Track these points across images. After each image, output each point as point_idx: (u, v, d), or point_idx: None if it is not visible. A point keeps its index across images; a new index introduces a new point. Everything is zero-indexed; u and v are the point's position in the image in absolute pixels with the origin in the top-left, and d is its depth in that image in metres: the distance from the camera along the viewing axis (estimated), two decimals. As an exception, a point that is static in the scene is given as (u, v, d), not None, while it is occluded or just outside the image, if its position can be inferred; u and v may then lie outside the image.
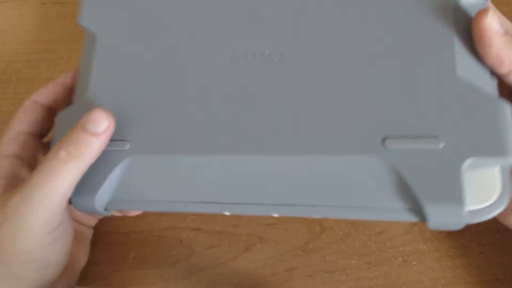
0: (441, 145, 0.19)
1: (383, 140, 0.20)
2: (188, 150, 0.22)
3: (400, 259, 0.30)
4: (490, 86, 0.20)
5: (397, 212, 0.20)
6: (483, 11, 0.20)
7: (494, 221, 0.23)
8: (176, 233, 0.31)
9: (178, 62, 0.24)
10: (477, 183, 0.19)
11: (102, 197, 0.23)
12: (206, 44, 0.24)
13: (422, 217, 0.19)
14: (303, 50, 0.22)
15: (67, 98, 0.27)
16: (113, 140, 0.23)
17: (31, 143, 0.26)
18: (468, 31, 0.21)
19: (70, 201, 0.24)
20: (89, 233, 0.31)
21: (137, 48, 0.25)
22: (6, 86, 0.37)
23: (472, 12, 0.21)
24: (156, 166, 0.23)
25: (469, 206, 0.19)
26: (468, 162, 0.19)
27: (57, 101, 0.27)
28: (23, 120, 0.26)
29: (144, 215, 0.32)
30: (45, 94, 0.27)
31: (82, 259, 0.29)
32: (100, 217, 0.31)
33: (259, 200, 0.22)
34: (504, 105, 0.19)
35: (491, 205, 0.19)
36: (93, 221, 0.31)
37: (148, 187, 0.23)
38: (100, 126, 0.22)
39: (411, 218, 0.20)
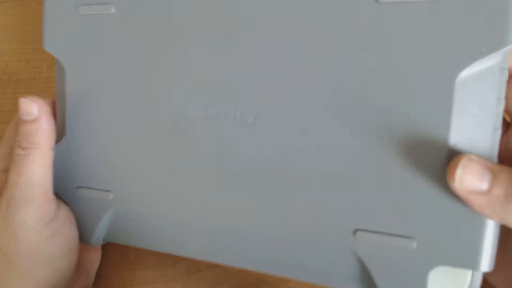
0: (413, 247, 0.19)
1: (354, 232, 0.20)
2: (161, 208, 0.24)
3: (400, 259, 0.29)
4: None
5: None
6: (453, 166, 0.17)
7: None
8: (176, 233, 0.31)
9: (152, 117, 0.24)
10: (444, 280, 0.18)
11: (98, 237, 0.27)
12: (180, 101, 0.23)
13: None
14: (278, 115, 0.21)
15: (54, 112, 0.28)
16: (97, 189, 0.26)
17: None
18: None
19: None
20: None
21: (108, 99, 0.25)
22: (6, 86, 0.37)
23: (479, 83, 0.18)
24: (138, 218, 0.26)
25: None
26: (437, 268, 0.18)
27: None
28: (15, 135, 0.26)
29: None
30: None
31: (96, 260, 0.30)
32: None
33: (236, 264, 0.24)
34: (483, 219, 0.18)
35: None
36: None
37: (135, 230, 0.26)
38: (33, 110, 0.24)
39: None
